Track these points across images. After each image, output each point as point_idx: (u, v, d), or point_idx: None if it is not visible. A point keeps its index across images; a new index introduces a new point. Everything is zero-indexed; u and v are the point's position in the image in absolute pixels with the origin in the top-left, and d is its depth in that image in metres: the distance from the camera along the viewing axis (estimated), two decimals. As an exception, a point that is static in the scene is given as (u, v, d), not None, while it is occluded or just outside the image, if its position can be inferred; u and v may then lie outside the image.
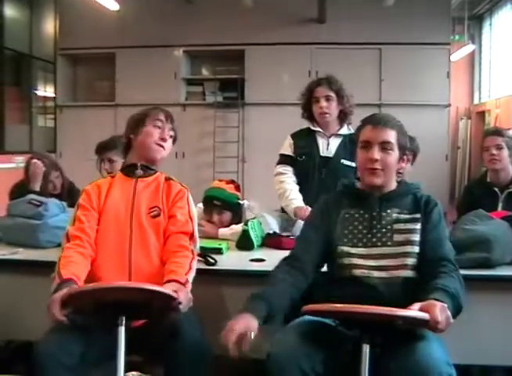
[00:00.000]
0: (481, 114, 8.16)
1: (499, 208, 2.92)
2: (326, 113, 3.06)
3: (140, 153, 2.22)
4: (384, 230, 1.91)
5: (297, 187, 3.08)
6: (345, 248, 1.92)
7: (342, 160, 3.05)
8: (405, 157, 1.99)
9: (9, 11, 6.98)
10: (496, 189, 3.08)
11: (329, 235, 1.96)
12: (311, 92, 3.11)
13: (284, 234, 2.76)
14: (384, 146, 1.92)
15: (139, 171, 2.19)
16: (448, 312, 1.57)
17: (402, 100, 7.19)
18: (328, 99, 3.05)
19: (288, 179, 3.10)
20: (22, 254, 2.55)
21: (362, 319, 1.57)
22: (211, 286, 2.12)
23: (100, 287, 1.75)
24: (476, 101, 8.44)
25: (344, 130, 3.14)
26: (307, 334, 1.75)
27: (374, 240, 1.91)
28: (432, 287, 1.71)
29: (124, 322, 1.69)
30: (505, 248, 2.26)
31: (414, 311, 1.55)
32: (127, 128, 2.29)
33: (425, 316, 1.53)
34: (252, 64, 7.46)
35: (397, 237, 1.89)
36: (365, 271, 1.87)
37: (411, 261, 1.87)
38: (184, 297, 1.81)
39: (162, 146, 2.20)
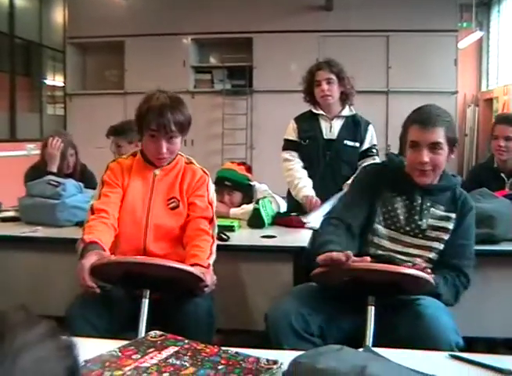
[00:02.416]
0: (489, 101, 8.16)
1: None
2: (328, 95, 3.10)
3: None
4: (419, 223, 1.94)
5: (306, 173, 3.12)
6: (379, 227, 1.95)
7: (345, 141, 3.09)
8: (454, 148, 1.96)
9: (19, 0, 7.04)
10: (503, 174, 3.04)
11: (370, 207, 1.98)
12: (313, 76, 3.15)
13: (293, 214, 2.84)
14: (434, 147, 1.89)
15: (156, 171, 2.15)
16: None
17: (410, 87, 7.21)
18: (329, 81, 3.09)
19: (296, 166, 3.12)
20: (41, 232, 2.64)
21: (367, 278, 1.63)
22: (224, 261, 2.19)
23: (132, 260, 1.80)
24: (484, 88, 8.43)
25: (346, 111, 3.17)
26: (305, 297, 1.81)
27: (408, 229, 1.94)
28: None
29: (148, 295, 1.75)
30: (508, 225, 2.33)
31: (416, 270, 1.63)
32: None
33: (426, 276, 1.61)
34: (260, 52, 7.50)
35: (429, 233, 1.93)
36: (390, 253, 1.93)
37: (433, 255, 1.93)
38: (210, 279, 1.85)
39: (161, 159, 2.12)
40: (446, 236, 1.93)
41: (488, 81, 8.32)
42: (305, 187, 3.05)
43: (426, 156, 1.88)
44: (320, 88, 3.10)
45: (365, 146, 3.12)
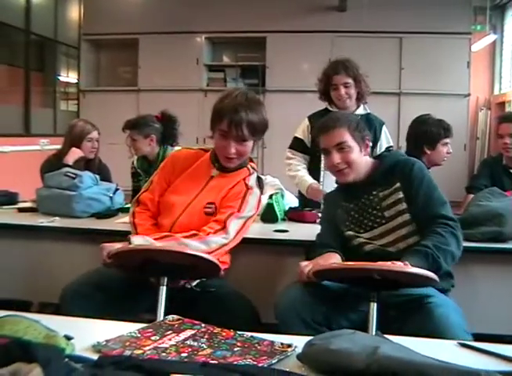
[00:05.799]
0: (501, 105, 8.13)
1: None
2: (346, 98, 3.15)
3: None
4: (375, 212, 2.02)
5: (304, 167, 3.17)
6: (352, 233, 2.05)
7: None
8: (366, 142, 2.09)
9: (36, -4, 7.13)
10: None
11: (337, 225, 2.11)
12: (329, 79, 3.17)
13: (307, 209, 2.88)
14: (340, 147, 2.02)
15: (215, 172, 2.13)
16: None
17: (422, 89, 7.23)
18: (346, 85, 3.12)
19: (294, 161, 3.21)
20: (58, 222, 2.70)
21: (366, 276, 1.65)
22: (237, 254, 2.23)
23: (149, 248, 1.85)
24: (496, 91, 8.40)
25: (361, 110, 3.22)
26: (311, 288, 1.85)
27: (371, 223, 2.02)
28: (411, 250, 1.83)
29: (165, 282, 1.77)
30: (517, 224, 2.36)
31: (418, 269, 1.63)
32: None
33: (429, 274, 1.62)
34: (273, 51, 7.53)
35: (388, 213, 1.99)
36: (376, 246, 1.99)
37: (406, 230, 1.97)
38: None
39: (229, 159, 2.06)
40: (403, 206, 1.98)
41: (501, 85, 8.29)
42: (304, 176, 3.12)
43: (336, 158, 2.02)
44: (338, 92, 3.13)
45: (383, 147, 3.16)
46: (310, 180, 3.07)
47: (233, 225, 2.01)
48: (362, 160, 2.06)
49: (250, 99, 2.03)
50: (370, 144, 2.12)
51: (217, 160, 2.14)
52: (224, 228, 1.99)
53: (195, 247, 1.89)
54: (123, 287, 1.99)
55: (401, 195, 1.98)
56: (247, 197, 2.08)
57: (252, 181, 2.15)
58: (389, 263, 1.67)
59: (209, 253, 1.88)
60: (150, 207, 2.17)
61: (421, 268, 1.67)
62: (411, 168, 2.01)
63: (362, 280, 1.67)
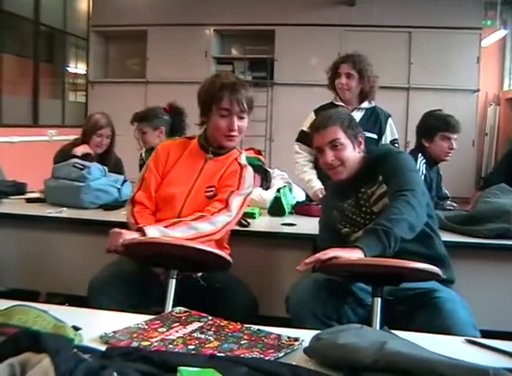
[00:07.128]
0: (510, 101, 8.10)
1: None
2: (346, 89, 3.16)
3: (212, 139, 2.15)
4: (364, 209, 2.01)
5: (311, 165, 3.20)
6: (348, 230, 2.06)
7: (364, 133, 3.12)
8: (360, 139, 2.07)
9: (45, -13, 7.12)
10: None
11: (334, 226, 2.12)
12: (337, 67, 3.21)
13: (314, 203, 2.88)
14: (333, 144, 2.01)
15: (210, 156, 2.15)
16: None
17: (431, 84, 7.20)
18: (348, 76, 3.15)
19: (301, 160, 3.25)
20: (66, 213, 2.71)
21: (369, 272, 1.64)
22: (245, 247, 2.24)
23: (162, 241, 1.80)
24: (506, 87, 8.35)
25: (366, 104, 3.24)
26: (322, 282, 1.86)
27: (363, 221, 2.02)
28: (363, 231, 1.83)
29: (175, 275, 1.76)
30: (525, 220, 2.35)
31: (422, 264, 1.60)
32: (199, 106, 2.16)
33: (433, 268, 1.59)
34: (282, 45, 7.50)
35: (376, 208, 1.99)
36: None
37: None
38: None
39: (232, 137, 2.10)
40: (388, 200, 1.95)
41: (511, 80, 8.24)
42: (311, 180, 3.14)
43: (329, 156, 2.01)
44: (339, 80, 3.17)
45: (388, 139, 3.16)
46: (316, 186, 3.11)
47: (235, 203, 2.06)
48: (355, 157, 2.05)
49: (239, 78, 2.12)
50: (363, 141, 2.10)
51: (209, 145, 2.17)
52: (227, 206, 2.03)
53: (204, 229, 1.94)
54: (133, 280, 2.00)
55: (384, 188, 1.97)
56: (244, 174, 2.13)
57: (243, 159, 2.20)
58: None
59: (217, 232, 1.97)
60: (149, 206, 2.14)
61: (374, 246, 1.67)
62: (390, 158, 2.00)
63: (364, 275, 1.67)
